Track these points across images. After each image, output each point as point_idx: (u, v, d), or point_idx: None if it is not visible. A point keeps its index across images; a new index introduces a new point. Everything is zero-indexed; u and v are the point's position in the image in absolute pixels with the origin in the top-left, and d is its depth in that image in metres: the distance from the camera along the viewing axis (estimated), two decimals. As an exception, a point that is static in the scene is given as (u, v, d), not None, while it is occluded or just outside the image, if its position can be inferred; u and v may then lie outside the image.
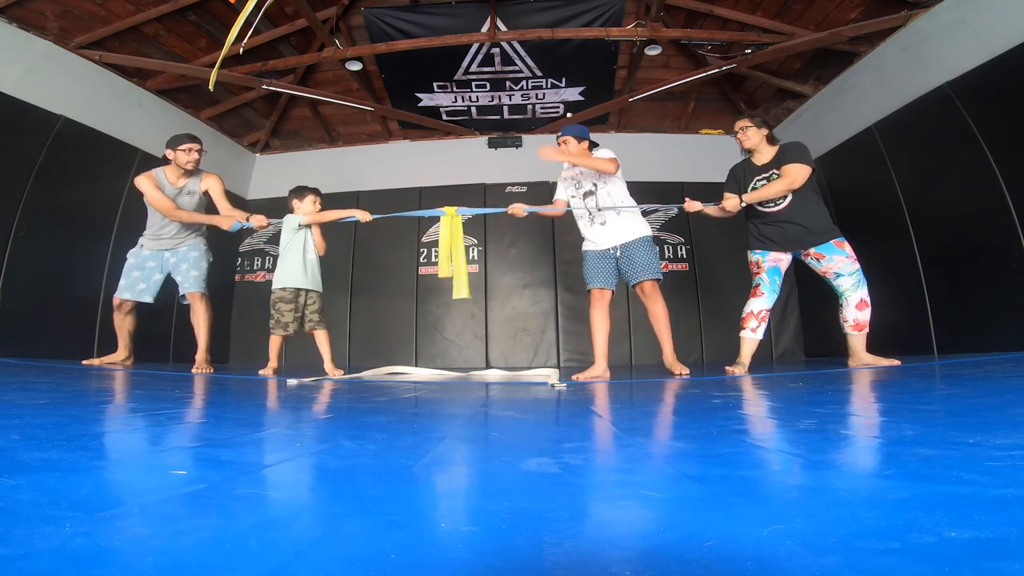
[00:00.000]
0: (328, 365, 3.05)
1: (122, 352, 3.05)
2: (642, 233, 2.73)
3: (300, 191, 3.15)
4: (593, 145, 2.88)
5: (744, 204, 2.71)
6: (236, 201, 5.41)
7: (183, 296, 3.04)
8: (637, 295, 2.79)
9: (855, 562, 0.32)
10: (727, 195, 2.78)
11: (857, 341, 2.61)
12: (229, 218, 3.00)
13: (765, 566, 0.31)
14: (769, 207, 2.70)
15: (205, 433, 0.88)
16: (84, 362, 3.03)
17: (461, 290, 2.89)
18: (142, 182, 2.95)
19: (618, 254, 2.73)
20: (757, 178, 2.74)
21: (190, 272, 3.01)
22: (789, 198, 2.65)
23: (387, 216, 3.46)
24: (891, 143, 3.84)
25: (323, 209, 3.16)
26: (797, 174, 2.58)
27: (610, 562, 0.33)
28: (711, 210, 2.83)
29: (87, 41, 3.66)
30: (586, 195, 2.81)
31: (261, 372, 2.93)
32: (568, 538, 0.38)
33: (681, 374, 2.59)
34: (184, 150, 2.97)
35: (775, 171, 2.67)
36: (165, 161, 3.05)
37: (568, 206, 2.91)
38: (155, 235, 3.02)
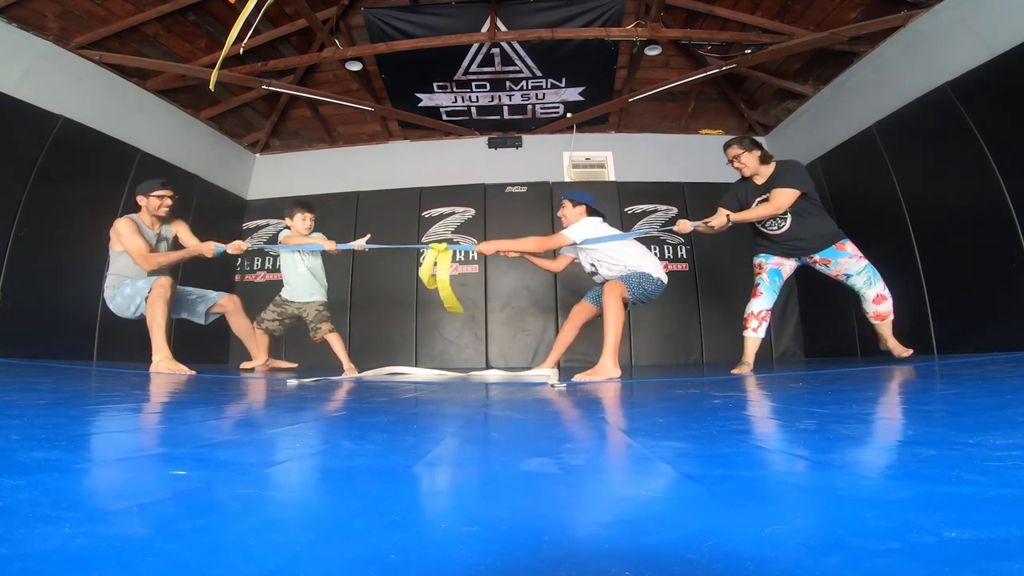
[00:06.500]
0: (347, 366, 3.10)
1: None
2: (634, 270, 2.65)
3: (291, 206, 3.18)
4: (592, 211, 2.91)
5: (730, 222, 2.71)
6: (236, 202, 5.45)
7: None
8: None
9: (855, 562, 0.32)
10: (718, 211, 2.75)
11: (883, 328, 2.75)
12: (209, 245, 2.88)
13: (765, 566, 0.31)
14: (772, 230, 2.72)
15: (204, 433, 0.88)
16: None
17: (454, 305, 2.90)
18: (125, 224, 2.77)
19: None
20: (759, 199, 2.72)
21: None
22: (790, 220, 2.66)
23: (370, 248, 3.23)
24: (891, 143, 3.84)
25: (314, 228, 3.24)
26: (782, 200, 2.59)
27: (610, 562, 0.33)
28: (703, 228, 2.82)
29: (87, 41, 3.66)
30: (592, 275, 2.86)
31: (243, 365, 3.10)
32: (568, 538, 0.38)
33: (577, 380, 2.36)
34: (157, 196, 2.86)
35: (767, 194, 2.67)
36: (133, 205, 2.96)
37: (570, 263, 3.04)
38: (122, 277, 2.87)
